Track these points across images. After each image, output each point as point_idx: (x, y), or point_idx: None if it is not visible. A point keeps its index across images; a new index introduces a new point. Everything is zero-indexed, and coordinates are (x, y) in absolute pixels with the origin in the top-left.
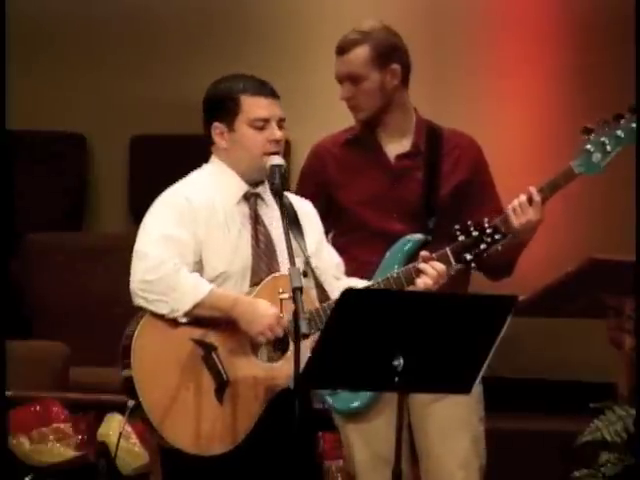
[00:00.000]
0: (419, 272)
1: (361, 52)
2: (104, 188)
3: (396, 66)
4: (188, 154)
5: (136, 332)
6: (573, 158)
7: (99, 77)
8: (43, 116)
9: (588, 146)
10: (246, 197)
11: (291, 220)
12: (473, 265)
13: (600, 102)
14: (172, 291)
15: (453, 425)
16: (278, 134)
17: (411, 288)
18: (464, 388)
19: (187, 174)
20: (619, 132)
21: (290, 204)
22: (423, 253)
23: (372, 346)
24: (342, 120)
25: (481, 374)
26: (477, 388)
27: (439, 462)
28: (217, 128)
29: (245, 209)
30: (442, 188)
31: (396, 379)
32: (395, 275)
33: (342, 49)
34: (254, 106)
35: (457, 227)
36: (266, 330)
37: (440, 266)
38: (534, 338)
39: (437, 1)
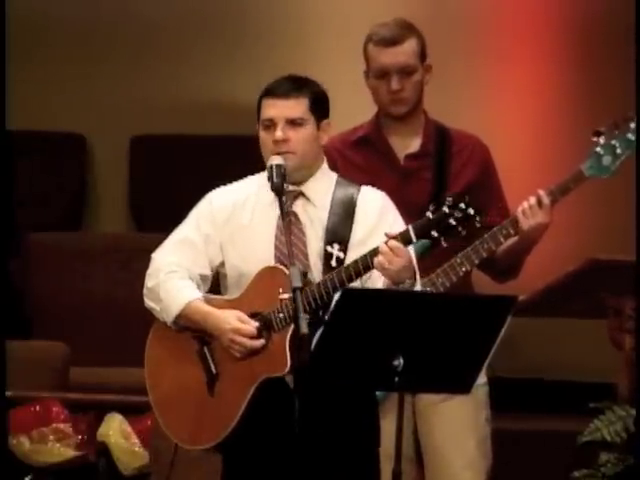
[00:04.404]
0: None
1: (412, 44)
2: (104, 188)
3: (429, 62)
4: (188, 154)
5: (150, 332)
6: (583, 161)
7: (99, 77)
8: (43, 116)
9: (598, 149)
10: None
11: (338, 214)
12: (443, 242)
13: (601, 102)
14: (159, 301)
15: (459, 426)
16: (278, 135)
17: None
18: (464, 388)
19: (187, 174)
20: (630, 135)
21: (353, 196)
22: (387, 232)
23: (372, 346)
24: (338, 121)
25: (482, 374)
26: (483, 389)
27: (445, 463)
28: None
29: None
30: (451, 189)
31: (396, 379)
32: (362, 255)
33: (393, 40)
34: (264, 107)
35: (432, 204)
36: (231, 344)
37: (395, 244)
38: (534, 338)
39: (437, 2)
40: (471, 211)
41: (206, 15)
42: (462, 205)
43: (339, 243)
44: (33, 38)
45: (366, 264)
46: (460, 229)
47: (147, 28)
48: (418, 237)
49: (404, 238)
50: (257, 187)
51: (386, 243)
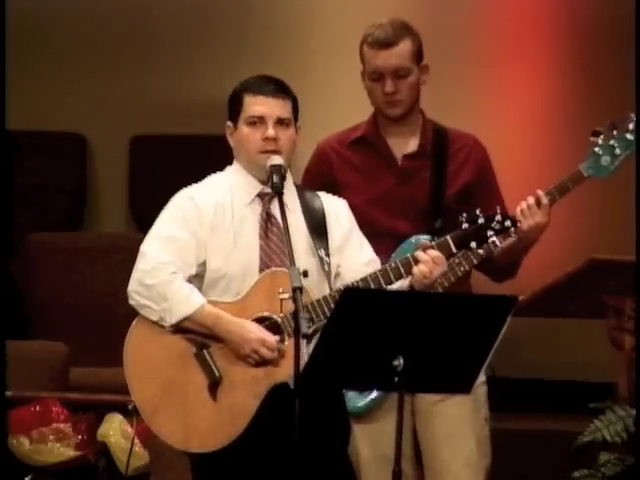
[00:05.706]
0: (416, 260)
1: (407, 45)
2: (104, 188)
3: (426, 62)
4: (188, 154)
5: (129, 331)
6: (581, 161)
7: (99, 77)
8: (43, 116)
9: (597, 149)
10: (261, 197)
11: (313, 220)
12: (481, 252)
13: (600, 103)
14: (163, 300)
15: (459, 425)
16: (271, 132)
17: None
18: (464, 388)
19: (187, 174)
20: (628, 135)
21: (319, 203)
22: (422, 242)
23: (372, 346)
24: (339, 120)
25: (481, 374)
26: (482, 388)
27: (444, 462)
28: (228, 127)
29: (258, 209)
30: (449, 189)
31: (396, 379)
32: (393, 265)
33: (388, 42)
34: (252, 104)
35: (464, 215)
36: (252, 354)
37: (435, 253)
38: (534, 338)
39: (436, 2)
40: (508, 223)
41: (208, 16)
42: (498, 217)
43: (323, 248)
44: (33, 38)
45: (399, 274)
46: (497, 241)
47: (148, 28)
48: (457, 247)
49: (443, 248)
50: (229, 185)
51: (424, 252)
